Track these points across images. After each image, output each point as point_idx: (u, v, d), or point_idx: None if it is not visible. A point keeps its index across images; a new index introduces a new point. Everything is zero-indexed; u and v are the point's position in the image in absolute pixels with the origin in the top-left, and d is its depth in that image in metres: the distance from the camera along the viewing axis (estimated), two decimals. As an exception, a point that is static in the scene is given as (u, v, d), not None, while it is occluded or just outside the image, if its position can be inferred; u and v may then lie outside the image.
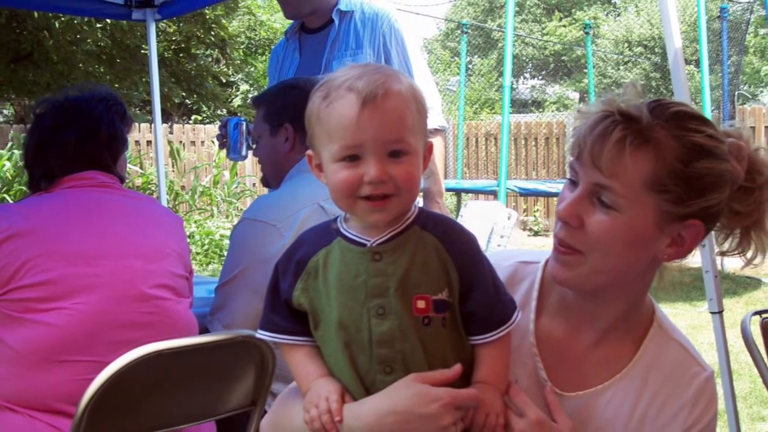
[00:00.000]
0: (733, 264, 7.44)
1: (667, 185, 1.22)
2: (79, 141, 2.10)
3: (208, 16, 12.29)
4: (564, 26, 24.75)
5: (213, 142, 11.79)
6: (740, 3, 12.92)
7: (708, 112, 8.50)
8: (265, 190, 2.62)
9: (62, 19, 10.52)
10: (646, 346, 1.37)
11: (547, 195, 10.21)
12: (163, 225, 2.17)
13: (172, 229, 2.20)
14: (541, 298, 1.40)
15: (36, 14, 10.18)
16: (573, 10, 26.06)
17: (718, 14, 10.73)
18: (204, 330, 2.17)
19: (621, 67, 22.42)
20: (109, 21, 10.58)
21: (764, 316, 2.32)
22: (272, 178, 2.46)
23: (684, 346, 1.39)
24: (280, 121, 2.37)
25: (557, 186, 9.12)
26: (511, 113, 8.45)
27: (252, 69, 16.86)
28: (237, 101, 17.35)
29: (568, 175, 1.32)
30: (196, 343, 1.75)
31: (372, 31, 3.06)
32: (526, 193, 10.52)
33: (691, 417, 1.32)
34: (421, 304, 1.19)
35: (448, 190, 8.65)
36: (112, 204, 2.10)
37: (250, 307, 2.10)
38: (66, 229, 1.98)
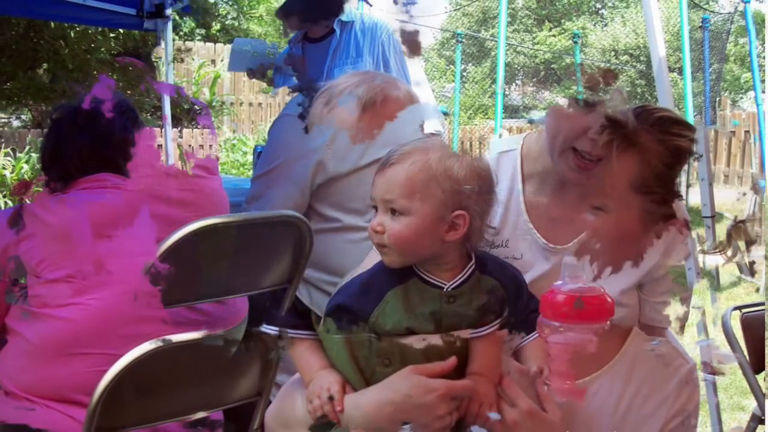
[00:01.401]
0: (714, 261, 7.44)
1: (652, 187, 1.22)
2: (93, 145, 2.10)
3: (215, 26, 12.30)
4: (554, 36, 24.72)
5: (220, 145, 11.79)
6: (721, 14, 12.92)
7: (690, 118, 8.50)
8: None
9: (77, 29, 10.52)
10: (631, 339, 1.37)
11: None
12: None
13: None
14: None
15: (52, 24, 10.19)
16: (562, 21, 26.04)
17: (701, 24, 10.71)
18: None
19: (608, 75, 22.38)
20: (121, 31, 10.59)
21: (744, 311, 2.33)
22: None
23: (668, 340, 1.39)
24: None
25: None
26: (503, 118, 8.43)
27: (257, 76, 16.84)
28: (243, 107, 17.33)
29: (558, 177, 1.33)
30: (204, 337, 1.75)
31: (371, 40, 3.06)
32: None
33: (674, 407, 1.32)
34: (418, 299, 1.19)
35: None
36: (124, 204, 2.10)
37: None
38: (80, 229, 1.97)
